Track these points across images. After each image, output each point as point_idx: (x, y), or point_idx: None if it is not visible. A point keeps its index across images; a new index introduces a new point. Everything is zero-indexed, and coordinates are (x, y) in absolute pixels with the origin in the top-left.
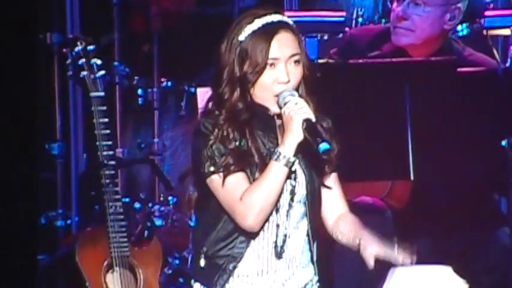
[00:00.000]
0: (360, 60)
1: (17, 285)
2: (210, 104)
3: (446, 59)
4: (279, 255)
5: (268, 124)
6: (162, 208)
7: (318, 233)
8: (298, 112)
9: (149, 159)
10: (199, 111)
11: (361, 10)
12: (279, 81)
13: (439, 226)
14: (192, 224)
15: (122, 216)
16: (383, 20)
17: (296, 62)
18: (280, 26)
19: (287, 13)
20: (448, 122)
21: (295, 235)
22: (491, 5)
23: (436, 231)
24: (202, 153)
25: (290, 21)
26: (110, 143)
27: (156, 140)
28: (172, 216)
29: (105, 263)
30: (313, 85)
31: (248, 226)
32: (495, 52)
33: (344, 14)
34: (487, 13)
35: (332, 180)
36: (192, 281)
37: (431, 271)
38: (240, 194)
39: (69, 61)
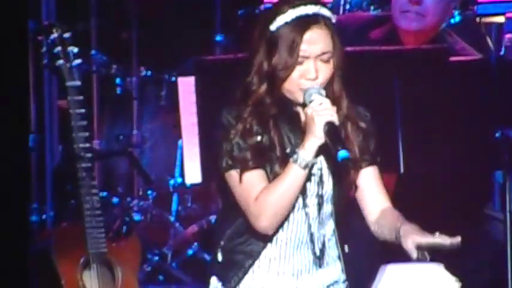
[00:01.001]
0: (348, 48)
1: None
2: (238, 93)
3: (437, 46)
4: (317, 256)
5: (294, 119)
6: (141, 203)
7: (345, 232)
8: (320, 114)
9: (128, 152)
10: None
11: None
12: (307, 77)
13: (427, 221)
14: (172, 219)
15: (99, 211)
16: (371, 7)
17: (326, 59)
18: (314, 20)
19: None
20: (440, 112)
21: (327, 236)
22: None
23: (424, 226)
24: (221, 146)
25: (327, 12)
26: (86, 134)
27: (134, 131)
28: (151, 211)
29: (82, 260)
30: (344, 80)
31: (261, 228)
32: (488, 40)
33: (331, 0)
34: (480, 0)
35: (368, 176)
36: (212, 276)
37: (422, 269)
38: (256, 194)
39: (44, 49)
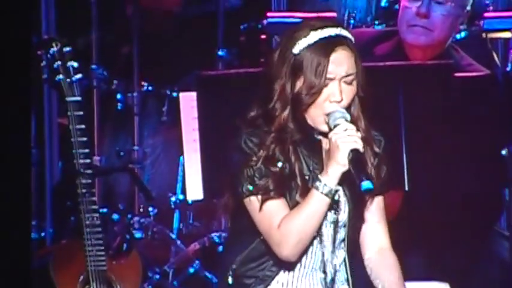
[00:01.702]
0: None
1: None
2: (254, 113)
3: (443, 63)
4: (328, 285)
5: (314, 145)
6: (142, 220)
7: (354, 256)
8: (345, 140)
9: (128, 168)
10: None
11: (353, 11)
12: (331, 100)
13: (433, 239)
14: (173, 236)
15: (99, 228)
16: (376, 22)
17: (350, 81)
18: (338, 41)
19: (272, 14)
20: (445, 129)
21: (335, 261)
22: (491, 7)
23: (430, 244)
24: (242, 171)
25: (348, 34)
26: (86, 150)
27: (135, 147)
28: (152, 228)
29: (81, 277)
30: (366, 103)
31: (285, 256)
32: (495, 56)
33: (335, 15)
34: (487, 15)
35: (374, 205)
36: None
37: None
38: (278, 221)
39: (43, 64)
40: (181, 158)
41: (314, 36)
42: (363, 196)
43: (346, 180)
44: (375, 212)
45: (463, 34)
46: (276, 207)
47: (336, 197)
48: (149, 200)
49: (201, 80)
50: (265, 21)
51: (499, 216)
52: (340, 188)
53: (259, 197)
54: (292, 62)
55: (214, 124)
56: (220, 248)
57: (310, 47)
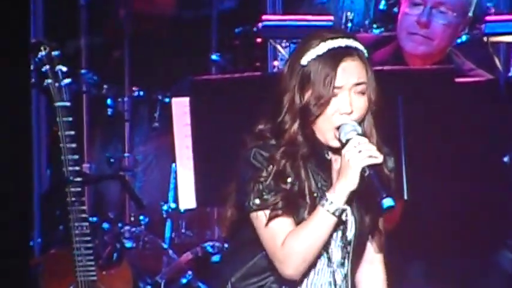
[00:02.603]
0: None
1: None
2: (263, 126)
3: (444, 67)
4: None
5: (324, 161)
6: (133, 229)
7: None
8: (357, 158)
9: (119, 176)
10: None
11: (350, 14)
12: (341, 112)
13: (434, 249)
14: (165, 246)
15: (88, 238)
16: (374, 26)
17: (361, 91)
18: (347, 52)
19: (268, 17)
20: (446, 136)
21: (337, 278)
22: (493, 10)
23: (431, 255)
24: (250, 185)
25: (359, 45)
26: (76, 157)
27: (126, 154)
28: (144, 237)
29: None
30: (379, 118)
31: (288, 275)
32: (496, 61)
33: (332, 18)
34: (488, 18)
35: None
36: None
37: None
38: (283, 239)
39: (31, 68)
40: (173, 165)
41: (323, 47)
42: (369, 214)
43: (354, 199)
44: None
45: (464, 38)
46: (282, 224)
47: (344, 217)
48: (140, 208)
49: (195, 85)
50: (260, 25)
51: (503, 225)
52: (348, 207)
53: (267, 212)
54: (301, 74)
55: (208, 131)
56: (214, 257)
57: (319, 57)
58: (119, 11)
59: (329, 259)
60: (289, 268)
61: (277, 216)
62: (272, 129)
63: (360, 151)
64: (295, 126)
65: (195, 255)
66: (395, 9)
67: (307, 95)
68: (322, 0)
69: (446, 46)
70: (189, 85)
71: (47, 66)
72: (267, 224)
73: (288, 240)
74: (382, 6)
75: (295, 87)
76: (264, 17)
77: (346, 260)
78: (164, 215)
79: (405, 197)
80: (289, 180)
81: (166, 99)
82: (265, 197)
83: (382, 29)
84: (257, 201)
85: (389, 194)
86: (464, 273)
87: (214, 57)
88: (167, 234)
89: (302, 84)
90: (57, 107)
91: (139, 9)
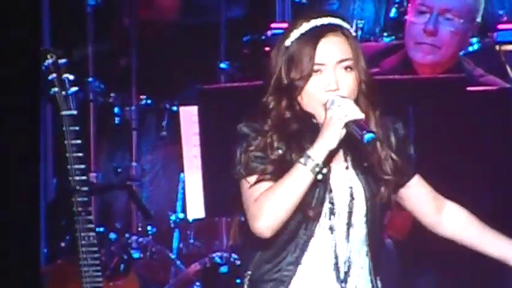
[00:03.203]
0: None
1: None
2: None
3: (455, 76)
4: (341, 282)
5: (315, 138)
6: (140, 239)
7: (379, 261)
8: (340, 115)
9: (126, 185)
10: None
11: (361, 22)
12: (327, 89)
13: (446, 261)
14: (173, 256)
15: (95, 248)
16: (385, 34)
17: (347, 68)
18: (330, 28)
19: (276, 25)
20: (456, 146)
21: (357, 261)
22: (505, 17)
23: (443, 266)
24: (239, 154)
25: (344, 24)
26: (82, 166)
27: (133, 163)
28: (151, 248)
29: None
30: (373, 96)
31: (257, 229)
32: (508, 69)
33: None
34: (500, 26)
35: (413, 186)
36: None
37: None
38: (258, 196)
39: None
40: (181, 175)
41: (306, 26)
42: (381, 182)
43: (359, 166)
44: (420, 188)
45: (475, 46)
46: (265, 187)
47: (350, 184)
48: (148, 218)
49: (203, 93)
50: (269, 33)
51: None
52: (327, 167)
53: (254, 177)
54: (286, 55)
55: (216, 140)
56: (222, 268)
57: (301, 36)
58: (125, 18)
59: (332, 235)
60: (259, 221)
61: (263, 180)
62: (259, 110)
63: (342, 108)
64: (283, 104)
65: (203, 266)
66: (406, 17)
67: (292, 73)
68: (332, 7)
69: (454, 53)
70: (197, 94)
71: (54, 75)
72: (250, 187)
73: (261, 194)
74: (392, 14)
75: (282, 69)
76: (273, 25)
77: (363, 241)
78: (172, 225)
79: None
80: (279, 151)
81: (174, 108)
82: (253, 164)
83: (393, 37)
84: (245, 168)
85: (370, 131)
86: (476, 283)
87: (222, 65)
88: (175, 244)
89: (287, 64)
90: (64, 115)
91: (146, 17)
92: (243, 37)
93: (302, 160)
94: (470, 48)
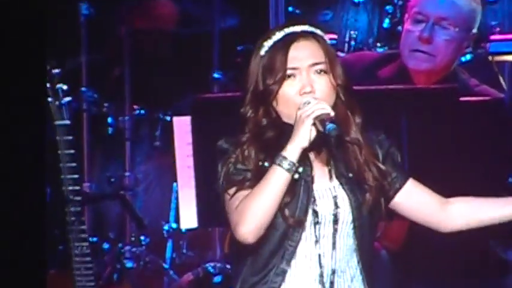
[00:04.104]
0: (354, 87)
1: None
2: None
3: (448, 86)
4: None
5: None
6: (134, 249)
7: (372, 271)
8: (307, 112)
9: (120, 195)
10: None
11: (354, 33)
12: (302, 92)
13: (440, 270)
14: (166, 266)
15: (88, 258)
16: (378, 44)
17: (321, 71)
18: (302, 34)
19: None
20: (450, 156)
21: (347, 272)
22: (498, 28)
23: (437, 276)
24: (220, 169)
25: (318, 31)
26: (76, 176)
27: (127, 173)
28: (144, 258)
29: None
30: (351, 102)
31: (240, 235)
32: (501, 80)
33: (336, 36)
34: (493, 37)
35: (409, 191)
36: None
37: None
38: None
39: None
40: (174, 184)
41: (278, 35)
42: (368, 190)
43: (344, 175)
44: (417, 192)
45: (468, 57)
46: (244, 195)
47: (334, 193)
48: (141, 228)
49: (196, 103)
50: None
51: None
52: (302, 168)
53: (234, 188)
54: (261, 63)
55: (210, 150)
56: (215, 278)
57: (274, 44)
58: (119, 28)
59: (317, 244)
60: (241, 226)
61: (242, 189)
62: (240, 121)
63: (310, 107)
64: (260, 112)
65: (196, 276)
66: (399, 28)
67: (267, 79)
68: (326, 18)
69: (450, 62)
70: (191, 103)
71: (47, 85)
72: (231, 198)
73: (240, 202)
74: (385, 24)
75: (258, 78)
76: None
77: (353, 249)
78: (165, 235)
79: None
80: (258, 160)
81: (168, 118)
82: (232, 177)
83: (386, 48)
84: (226, 181)
85: (332, 122)
86: None
87: (216, 75)
88: (168, 254)
89: (262, 71)
90: (57, 125)
91: (139, 26)
92: (236, 47)
93: (277, 161)
94: (463, 59)
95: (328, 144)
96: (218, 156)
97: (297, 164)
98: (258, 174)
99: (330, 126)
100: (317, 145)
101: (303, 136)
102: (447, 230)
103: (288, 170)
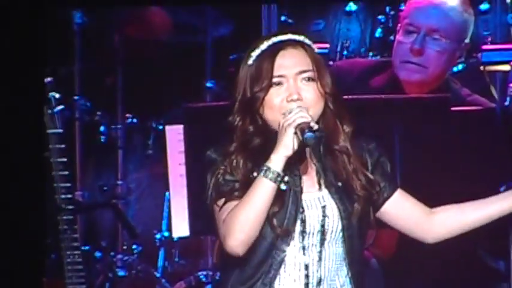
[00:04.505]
0: (345, 96)
1: None
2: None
3: (440, 96)
4: None
5: None
6: (126, 257)
7: (362, 280)
8: (288, 121)
9: (112, 204)
10: None
11: (346, 42)
12: (289, 99)
13: (430, 279)
14: (158, 275)
15: (80, 267)
16: (370, 54)
17: (308, 79)
18: (289, 43)
19: None
20: (442, 165)
21: (336, 281)
22: (489, 38)
23: (427, 284)
24: (209, 181)
25: (305, 39)
26: (68, 185)
27: (119, 182)
28: (136, 266)
29: None
30: (340, 111)
31: (229, 247)
32: (493, 90)
33: (328, 46)
34: (485, 47)
35: (397, 201)
36: None
37: None
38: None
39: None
40: (167, 193)
41: (266, 44)
42: (356, 199)
43: (333, 184)
44: (404, 202)
45: (460, 67)
46: (232, 206)
47: (322, 203)
48: (133, 237)
49: (189, 112)
50: None
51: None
52: (287, 177)
53: (223, 200)
54: (248, 73)
55: (202, 159)
56: (207, 287)
57: (262, 53)
58: (112, 37)
59: (304, 253)
60: (230, 238)
61: (231, 200)
62: (228, 130)
63: (292, 115)
64: (247, 120)
65: (188, 284)
66: (392, 37)
67: (254, 87)
68: (318, 27)
69: (442, 73)
70: (183, 112)
71: (47, 93)
72: (220, 210)
73: (228, 213)
74: (378, 34)
75: (245, 85)
76: None
77: (341, 259)
78: (157, 244)
79: None
80: (246, 171)
81: (160, 127)
82: (220, 188)
83: (378, 57)
84: (216, 192)
85: (312, 131)
86: None
87: (208, 84)
88: (160, 263)
89: (250, 80)
90: (50, 134)
91: (132, 35)
92: (229, 56)
93: (262, 172)
94: (455, 69)
95: (316, 153)
96: (207, 166)
97: (282, 174)
98: (247, 185)
99: (307, 135)
100: (305, 154)
101: (285, 145)
102: (431, 241)
103: (273, 180)
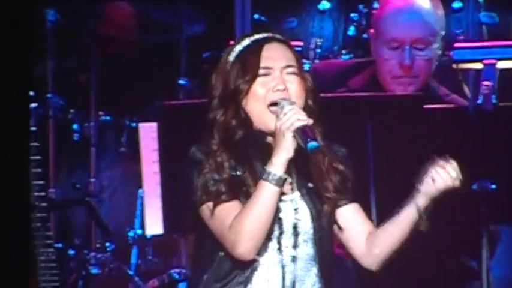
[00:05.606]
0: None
1: None
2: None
3: (413, 94)
4: None
5: (264, 145)
6: (99, 255)
7: (331, 278)
8: (287, 124)
9: (85, 201)
10: None
11: (319, 40)
12: (275, 89)
13: (405, 278)
14: (131, 273)
15: (54, 264)
16: (343, 52)
17: (293, 74)
18: (273, 38)
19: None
20: (415, 163)
21: (307, 280)
22: (462, 37)
23: (403, 284)
24: (194, 181)
25: (287, 40)
26: (41, 182)
27: (92, 179)
28: (109, 264)
29: None
30: (317, 108)
31: (239, 254)
32: (465, 88)
33: (301, 43)
34: (457, 45)
35: (349, 213)
36: None
37: None
38: (230, 222)
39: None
40: (140, 191)
41: (248, 40)
42: (326, 203)
43: (304, 186)
44: (355, 218)
45: None
46: (228, 209)
47: (295, 206)
48: (106, 234)
49: (163, 110)
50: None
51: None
52: (288, 177)
53: (212, 203)
54: (230, 68)
55: (176, 156)
56: (180, 285)
57: (246, 48)
58: (85, 35)
59: (280, 253)
60: (240, 247)
61: (222, 202)
62: (207, 128)
63: (289, 117)
64: (229, 113)
65: (161, 282)
66: (365, 35)
67: (239, 79)
68: (291, 25)
69: (430, 75)
70: (157, 110)
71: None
72: (213, 213)
73: (234, 220)
74: (351, 32)
75: (228, 79)
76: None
77: (313, 258)
78: (130, 241)
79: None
80: (229, 169)
81: (134, 124)
82: (209, 188)
83: (352, 55)
84: (202, 194)
85: (315, 140)
86: None
87: (181, 81)
88: (133, 260)
89: (233, 73)
90: None
91: (106, 33)
92: (202, 54)
93: (264, 177)
94: None
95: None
96: (191, 165)
97: (284, 177)
98: (232, 184)
99: (311, 145)
100: None
101: (286, 148)
102: (364, 262)
103: (277, 184)
